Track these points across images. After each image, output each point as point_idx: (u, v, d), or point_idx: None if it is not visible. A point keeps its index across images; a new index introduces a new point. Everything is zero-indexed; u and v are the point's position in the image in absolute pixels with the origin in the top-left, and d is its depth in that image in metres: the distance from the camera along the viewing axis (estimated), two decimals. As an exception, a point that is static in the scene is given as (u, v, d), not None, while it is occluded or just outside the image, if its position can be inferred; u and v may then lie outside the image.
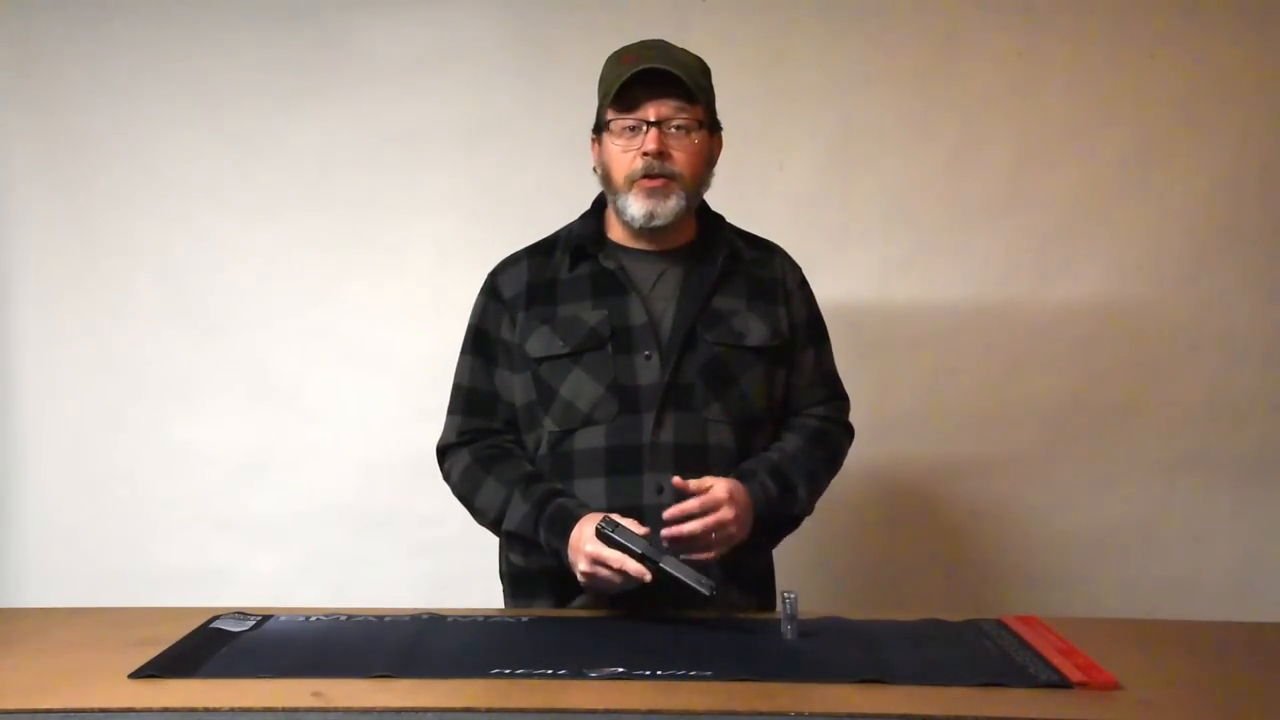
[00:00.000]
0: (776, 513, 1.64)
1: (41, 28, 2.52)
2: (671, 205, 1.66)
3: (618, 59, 1.69)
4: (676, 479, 1.55)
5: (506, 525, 1.66)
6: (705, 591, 1.44)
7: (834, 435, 1.79)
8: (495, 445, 1.73)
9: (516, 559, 1.69)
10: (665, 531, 1.53)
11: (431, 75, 2.52)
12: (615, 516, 1.51)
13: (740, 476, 1.62)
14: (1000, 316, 2.52)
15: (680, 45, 1.71)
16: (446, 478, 1.77)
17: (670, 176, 1.65)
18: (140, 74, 2.53)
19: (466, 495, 1.72)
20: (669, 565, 1.46)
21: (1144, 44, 2.48)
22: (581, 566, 1.52)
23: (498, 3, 2.52)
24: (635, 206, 1.66)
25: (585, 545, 1.51)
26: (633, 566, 1.46)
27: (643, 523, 1.52)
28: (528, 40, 2.52)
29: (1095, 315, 2.51)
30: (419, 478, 2.31)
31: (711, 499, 1.54)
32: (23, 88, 2.53)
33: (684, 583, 1.45)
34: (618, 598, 1.57)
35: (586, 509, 1.58)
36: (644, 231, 1.69)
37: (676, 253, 1.73)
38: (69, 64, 2.52)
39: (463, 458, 1.72)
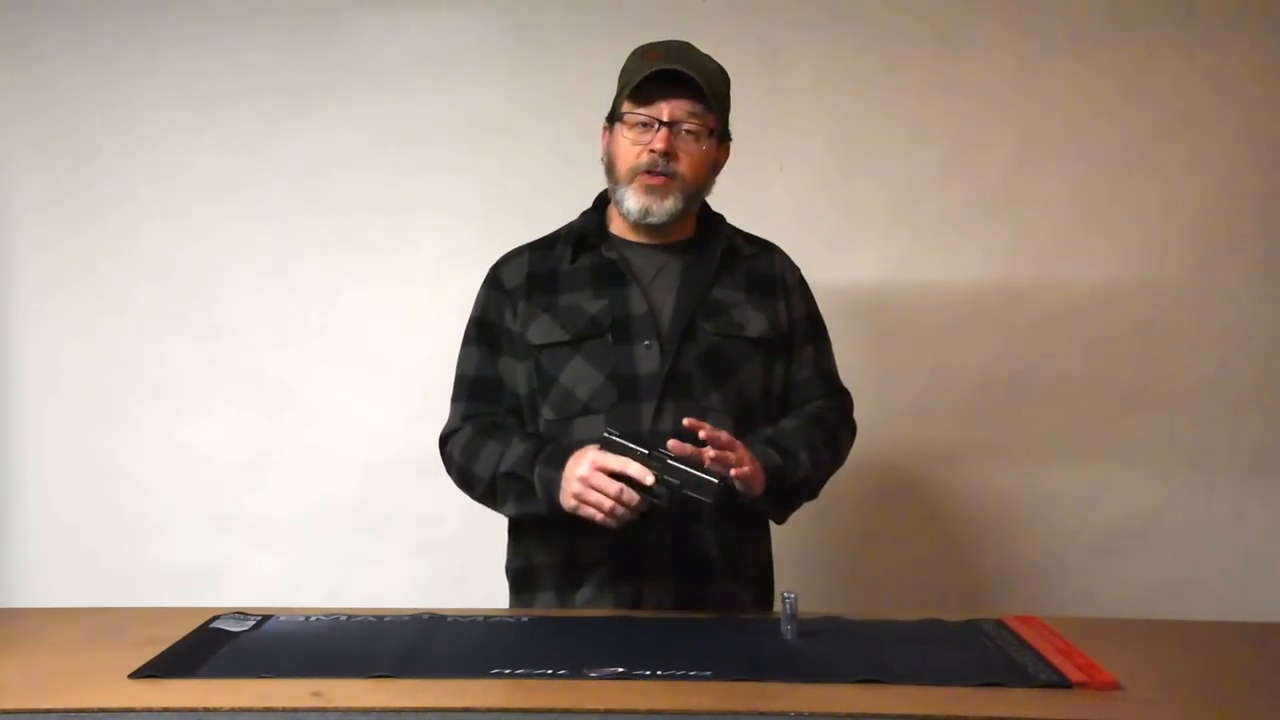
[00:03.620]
0: (782, 477, 1.62)
1: (42, 28, 2.52)
2: (668, 205, 1.67)
3: (642, 54, 1.69)
4: (687, 419, 1.51)
5: (502, 467, 1.63)
6: (708, 499, 1.44)
7: (831, 419, 1.77)
8: (497, 422, 1.72)
9: (509, 509, 1.66)
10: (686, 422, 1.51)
11: (431, 75, 2.52)
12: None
13: None
14: (1000, 317, 2.52)
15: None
16: (448, 461, 1.74)
17: (671, 176, 1.66)
18: (140, 74, 2.53)
19: (466, 466, 1.69)
20: (674, 464, 1.45)
21: (1144, 44, 2.48)
22: (580, 472, 1.50)
23: (498, 3, 2.52)
24: (632, 200, 1.67)
25: (589, 452, 1.51)
26: (635, 468, 1.46)
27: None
28: (528, 40, 2.52)
29: (1095, 315, 2.51)
30: (419, 478, 2.32)
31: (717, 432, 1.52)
32: (23, 88, 2.53)
33: (687, 492, 1.44)
34: (622, 575, 1.58)
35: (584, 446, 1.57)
36: (641, 226, 1.70)
37: (676, 246, 1.75)
38: (69, 64, 2.52)
39: (463, 435, 1.71)
